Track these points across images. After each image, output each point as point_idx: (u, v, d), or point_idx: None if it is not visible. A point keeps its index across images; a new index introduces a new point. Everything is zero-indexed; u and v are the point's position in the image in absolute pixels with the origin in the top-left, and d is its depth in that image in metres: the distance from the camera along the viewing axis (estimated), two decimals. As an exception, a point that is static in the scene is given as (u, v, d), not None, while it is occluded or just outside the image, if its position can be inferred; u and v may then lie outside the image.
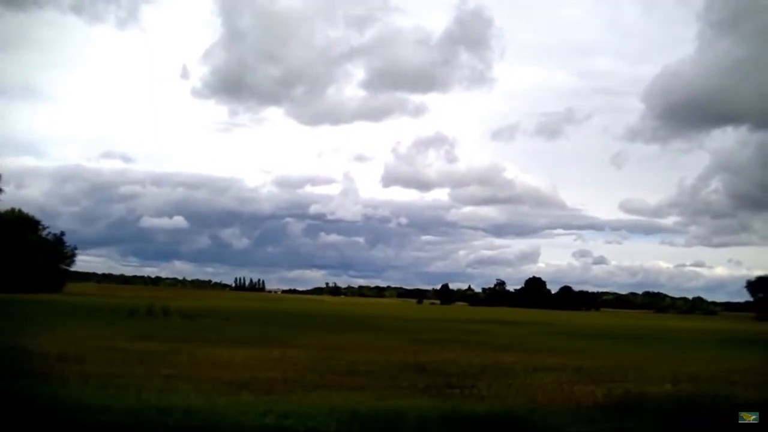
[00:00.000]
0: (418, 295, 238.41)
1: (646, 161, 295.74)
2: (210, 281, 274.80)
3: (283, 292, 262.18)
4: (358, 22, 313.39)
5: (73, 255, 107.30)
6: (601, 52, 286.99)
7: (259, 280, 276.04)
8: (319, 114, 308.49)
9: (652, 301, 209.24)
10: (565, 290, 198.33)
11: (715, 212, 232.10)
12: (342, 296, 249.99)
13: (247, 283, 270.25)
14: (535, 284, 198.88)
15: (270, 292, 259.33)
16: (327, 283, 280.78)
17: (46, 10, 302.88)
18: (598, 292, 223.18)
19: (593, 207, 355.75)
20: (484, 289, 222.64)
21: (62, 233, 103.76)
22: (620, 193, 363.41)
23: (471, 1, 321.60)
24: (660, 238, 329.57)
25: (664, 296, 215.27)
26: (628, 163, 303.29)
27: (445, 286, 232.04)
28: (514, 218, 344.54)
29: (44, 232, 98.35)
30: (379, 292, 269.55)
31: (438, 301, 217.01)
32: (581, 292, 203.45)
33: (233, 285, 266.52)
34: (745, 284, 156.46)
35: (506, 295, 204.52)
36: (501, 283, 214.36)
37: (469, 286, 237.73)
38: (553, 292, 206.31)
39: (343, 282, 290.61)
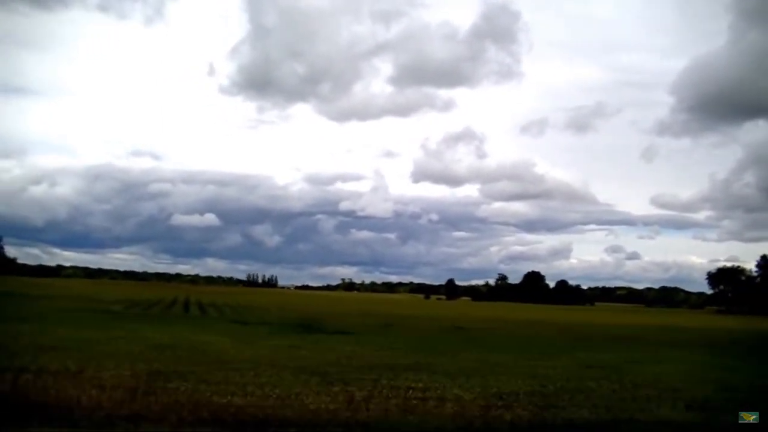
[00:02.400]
0: (429, 290, 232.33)
1: (678, 155, 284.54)
2: (231, 278, 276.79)
3: (296, 288, 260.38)
4: (384, 17, 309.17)
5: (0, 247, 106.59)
6: (630, 46, 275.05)
7: (272, 276, 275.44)
8: (347, 110, 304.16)
9: (667, 296, 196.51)
10: (562, 284, 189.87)
11: (748, 206, 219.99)
12: (355, 292, 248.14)
13: (259, 278, 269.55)
14: (533, 278, 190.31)
15: (282, 288, 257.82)
16: (343, 279, 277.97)
17: (73, 9, 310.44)
18: (609, 287, 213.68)
19: (625, 202, 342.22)
20: (496, 283, 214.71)
21: None
22: (652, 187, 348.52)
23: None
24: (692, 233, 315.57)
25: (678, 291, 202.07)
26: (658, 157, 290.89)
27: (450, 282, 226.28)
28: (545, 214, 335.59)
29: None
30: (391, 288, 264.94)
31: (444, 297, 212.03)
32: (578, 287, 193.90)
33: (245, 280, 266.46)
34: (706, 276, 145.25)
35: (508, 289, 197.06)
36: (503, 278, 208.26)
37: (487, 282, 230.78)
38: (583, 288, 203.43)
39: (375, 278, 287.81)
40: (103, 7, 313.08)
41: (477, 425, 10.44)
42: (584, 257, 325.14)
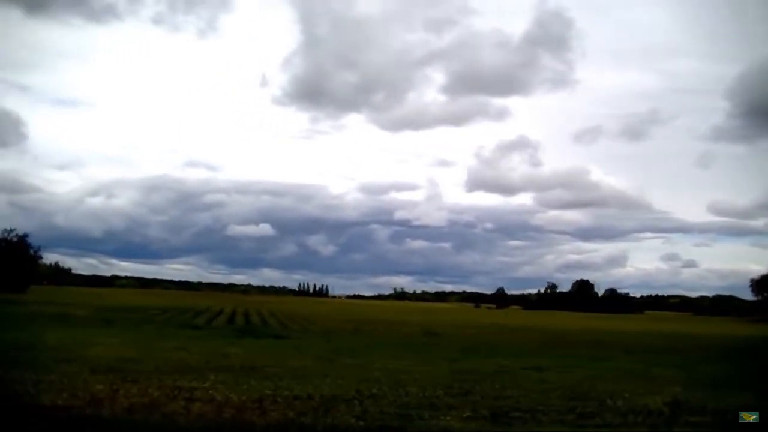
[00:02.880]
0: (480, 299, 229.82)
1: (734, 161, 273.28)
2: (284, 287, 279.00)
3: (347, 297, 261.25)
4: (437, 25, 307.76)
5: (38, 257, 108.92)
6: (683, 52, 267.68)
7: (323, 285, 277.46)
8: (400, 119, 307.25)
9: (721, 305, 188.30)
10: (611, 292, 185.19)
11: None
12: (405, 301, 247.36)
13: (311, 288, 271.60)
14: (582, 287, 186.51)
15: (333, 297, 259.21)
16: (395, 289, 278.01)
17: (126, 23, 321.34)
18: (663, 296, 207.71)
19: (681, 209, 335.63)
20: (546, 292, 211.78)
21: (25, 235, 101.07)
22: (708, 194, 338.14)
23: (551, 3, 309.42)
24: (751, 241, 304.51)
25: (733, 299, 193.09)
26: (715, 163, 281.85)
27: (500, 291, 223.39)
28: (600, 222, 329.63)
29: (9, 234, 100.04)
30: (443, 297, 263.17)
31: (494, 305, 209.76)
32: (627, 295, 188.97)
33: (296, 289, 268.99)
34: (749, 283, 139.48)
35: (558, 298, 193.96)
36: (553, 287, 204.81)
37: (539, 291, 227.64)
38: (636, 296, 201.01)
39: (430, 287, 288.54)
40: (156, 21, 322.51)
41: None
42: (640, 265, 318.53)
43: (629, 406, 12.97)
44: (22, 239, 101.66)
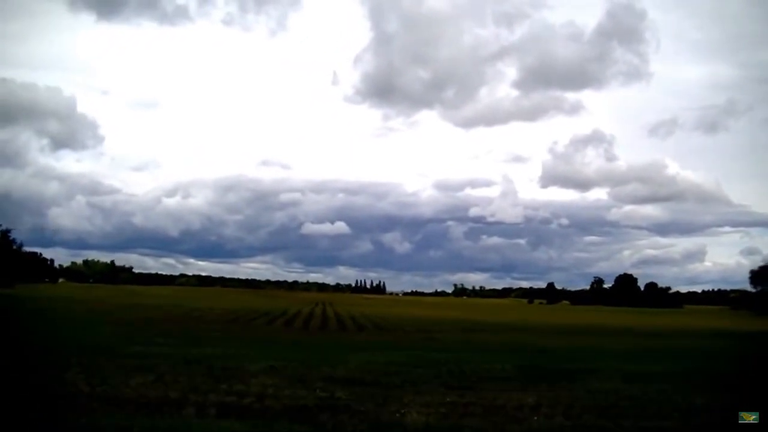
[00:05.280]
0: (533, 294, 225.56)
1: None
2: (349, 285, 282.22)
3: (405, 294, 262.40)
4: (508, 19, 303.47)
5: (24, 252, 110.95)
6: (760, 42, 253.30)
7: (380, 282, 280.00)
8: (473, 115, 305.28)
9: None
10: (652, 286, 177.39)
11: None
12: (464, 297, 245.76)
13: (368, 284, 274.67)
14: (625, 282, 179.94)
15: (390, 293, 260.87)
16: (455, 285, 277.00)
17: (198, 24, 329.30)
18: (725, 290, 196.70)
19: (760, 202, 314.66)
20: (591, 287, 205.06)
21: (8, 230, 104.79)
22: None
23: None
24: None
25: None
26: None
27: (550, 286, 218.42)
28: (677, 216, 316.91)
29: None
30: (503, 293, 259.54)
31: (545, 301, 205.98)
32: (667, 289, 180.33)
33: (354, 286, 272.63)
34: (749, 275, 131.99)
35: (603, 292, 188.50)
36: (599, 281, 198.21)
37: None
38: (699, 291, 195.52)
39: (507, 284, 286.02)
40: (227, 21, 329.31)
41: None
42: (719, 260, 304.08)
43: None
44: (5, 235, 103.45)
